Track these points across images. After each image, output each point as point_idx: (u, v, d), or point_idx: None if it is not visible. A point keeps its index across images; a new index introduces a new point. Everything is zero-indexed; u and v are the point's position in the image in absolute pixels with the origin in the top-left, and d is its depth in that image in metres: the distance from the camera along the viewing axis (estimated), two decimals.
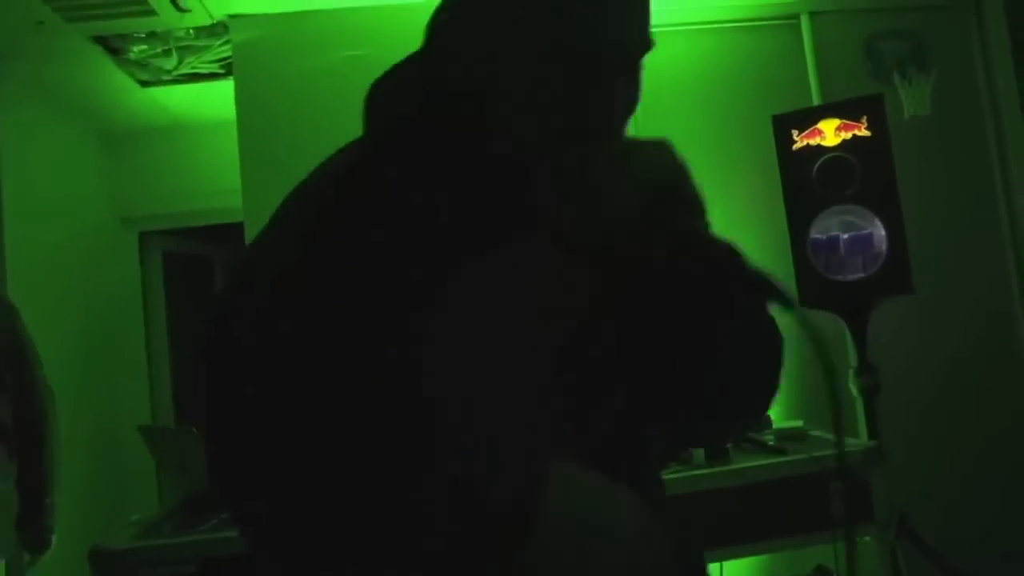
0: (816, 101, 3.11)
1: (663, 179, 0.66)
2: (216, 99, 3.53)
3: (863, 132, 2.34)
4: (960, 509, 2.91)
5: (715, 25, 3.13)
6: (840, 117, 2.38)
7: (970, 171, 3.19)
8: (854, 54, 3.19)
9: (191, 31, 3.00)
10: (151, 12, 2.72)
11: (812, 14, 3.16)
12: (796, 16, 3.17)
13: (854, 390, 2.47)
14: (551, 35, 0.67)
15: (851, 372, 2.45)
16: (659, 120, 3.03)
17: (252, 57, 2.92)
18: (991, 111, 3.22)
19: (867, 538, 1.67)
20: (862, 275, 2.37)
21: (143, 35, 2.98)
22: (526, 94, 0.68)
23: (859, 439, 2.46)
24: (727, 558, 1.84)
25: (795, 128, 2.42)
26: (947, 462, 2.96)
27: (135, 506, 3.33)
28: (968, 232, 3.15)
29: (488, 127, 0.69)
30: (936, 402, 2.99)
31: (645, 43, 0.72)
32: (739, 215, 2.91)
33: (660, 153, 0.68)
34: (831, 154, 2.36)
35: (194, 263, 4.31)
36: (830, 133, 2.37)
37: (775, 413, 2.29)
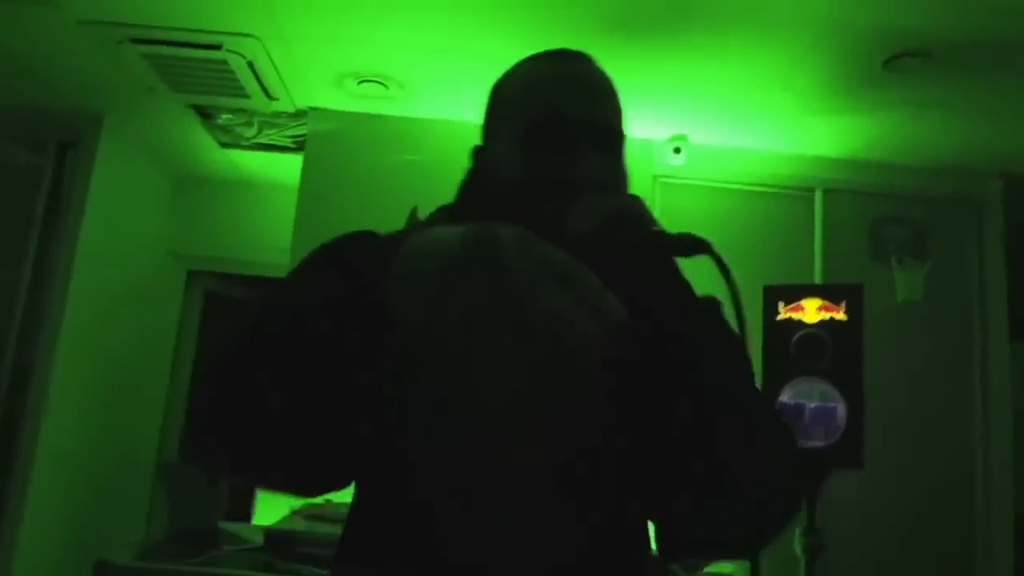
0: (818, 270, 3.39)
1: (618, 208, 0.78)
2: (282, 167, 3.94)
3: (840, 316, 2.61)
4: None
5: (734, 185, 3.45)
6: (822, 298, 2.65)
7: (952, 358, 3.40)
8: (860, 232, 3.47)
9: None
10: (246, 96, 3.12)
11: (826, 191, 3.48)
12: (812, 190, 3.47)
13: (798, 549, 2.66)
14: (516, 115, 0.88)
15: (797, 532, 2.65)
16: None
17: (323, 142, 3.31)
18: (979, 305, 3.45)
19: None
20: (821, 444, 2.60)
21: (233, 108, 3.40)
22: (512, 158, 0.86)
23: None
24: None
25: (781, 300, 2.70)
26: None
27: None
28: (943, 415, 3.33)
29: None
30: (886, 567, 3.14)
31: (597, 120, 0.86)
32: None
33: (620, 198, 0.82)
34: (809, 330, 2.63)
35: (232, 305, 4.66)
36: (812, 311, 2.65)
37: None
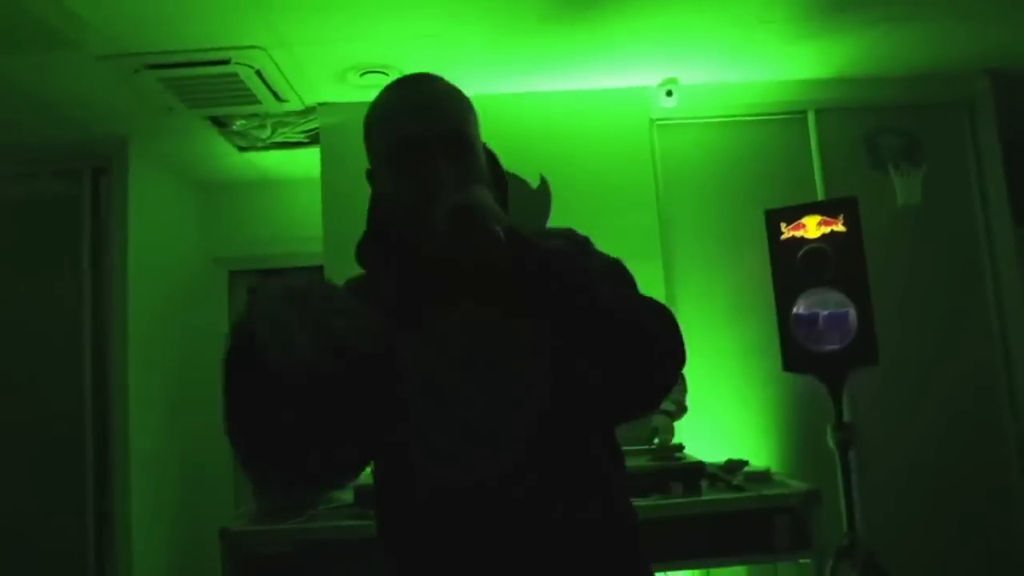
0: (819, 188, 3.55)
1: (456, 204, 0.90)
2: (301, 162, 4.15)
3: (839, 228, 2.79)
4: (936, 560, 3.28)
5: (728, 118, 3.60)
6: (821, 214, 2.83)
7: (958, 255, 3.55)
8: (855, 147, 3.60)
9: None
10: (257, 102, 3.33)
11: (818, 111, 3.60)
12: (803, 112, 3.61)
13: (831, 443, 2.89)
14: (376, 144, 1.04)
15: (828, 428, 2.87)
16: (675, 203, 3.52)
17: (336, 134, 3.49)
18: (980, 202, 3.59)
19: (806, 561, 2.11)
20: (837, 347, 2.80)
21: (246, 114, 3.59)
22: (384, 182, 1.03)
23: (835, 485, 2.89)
24: (697, 568, 2.34)
25: (783, 221, 2.88)
26: (925, 518, 3.31)
27: (217, 508, 3.91)
28: (956, 311, 3.51)
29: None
30: (918, 465, 3.34)
31: (438, 131, 0.98)
32: (741, 291, 3.38)
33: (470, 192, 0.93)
34: (812, 245, 2.81)
35: None
36: (812, 227, 2.83)
37: (754, 456, 2.73)
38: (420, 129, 0.98)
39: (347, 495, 2.26)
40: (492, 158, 1.11)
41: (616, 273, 1.07)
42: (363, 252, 1.09)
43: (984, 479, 3.38)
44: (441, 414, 0.96)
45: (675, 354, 0.99)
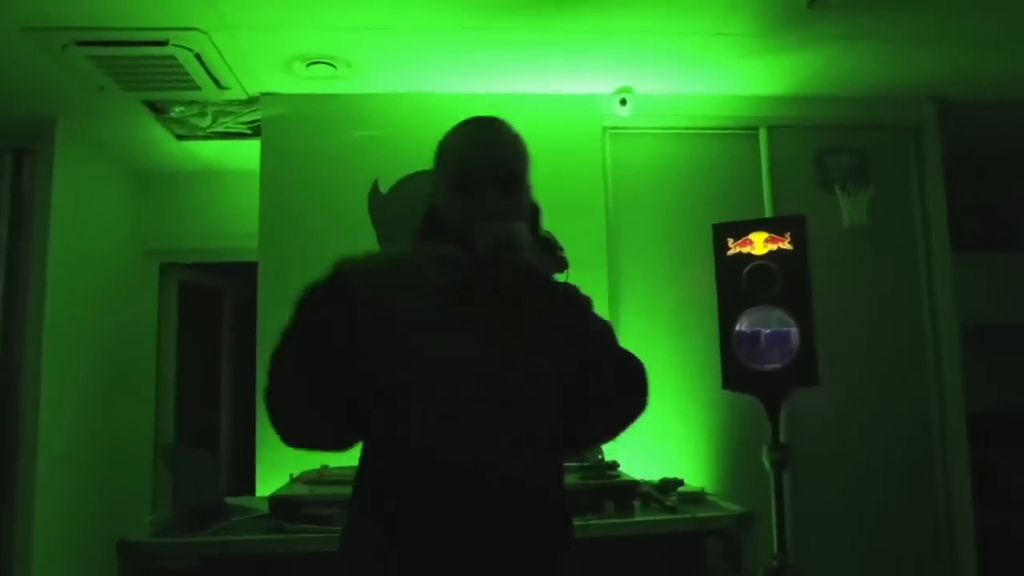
0: (768, 204, 3.54)
1: (499, 233, 1.14)
2: (241, 153, 4.01)
3: (786, 245, 2.78)
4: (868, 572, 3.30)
5: (681, 130, 3.57)
6: (768, 231, 2.81)
7: (900, 277, 3.59)
8: (805, 165, 3.61)
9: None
10: (196, 87, 3.18)
11: (770, 128, 3.61)
12: (755, 128, 3.60)
13: (767, 463, 2.86)
14: (443, 172, 1.27)
15: (764, 448, 2.85)
16: (623, 213, 3.48)
17: (278, 127, 3.38)
18: (922, 225, 3.63)
19: None
20: (778, 366, 2.78)
21: (185, 100, 3.44)
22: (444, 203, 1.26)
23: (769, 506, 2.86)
24: None
25: (730, 236, 2.85)
26: (858, 536, 3.33)
27: (134, 513, 3.72)
28: (895, 328, 3.54)
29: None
30: (853, 488, 3.35)
31: (497, 172, 1.22)
32: (685, 306, 3.35)
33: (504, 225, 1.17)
34: (758, 262, 2.79)
35: (207, 293, 4.75)
36: (759, 243, 2.81)
37: (689, 475, 2.69)
38: (479, 168, 1.22)
39: (262, 506, 2.14)
40: (535, 208, 1.33)
41: (611, 331, 1.35)
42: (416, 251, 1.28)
43: (914, 498, 3.42)
44: (454, 401, 1.16)
45: (642, 398, 1.33)
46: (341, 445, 1.25)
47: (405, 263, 1.19)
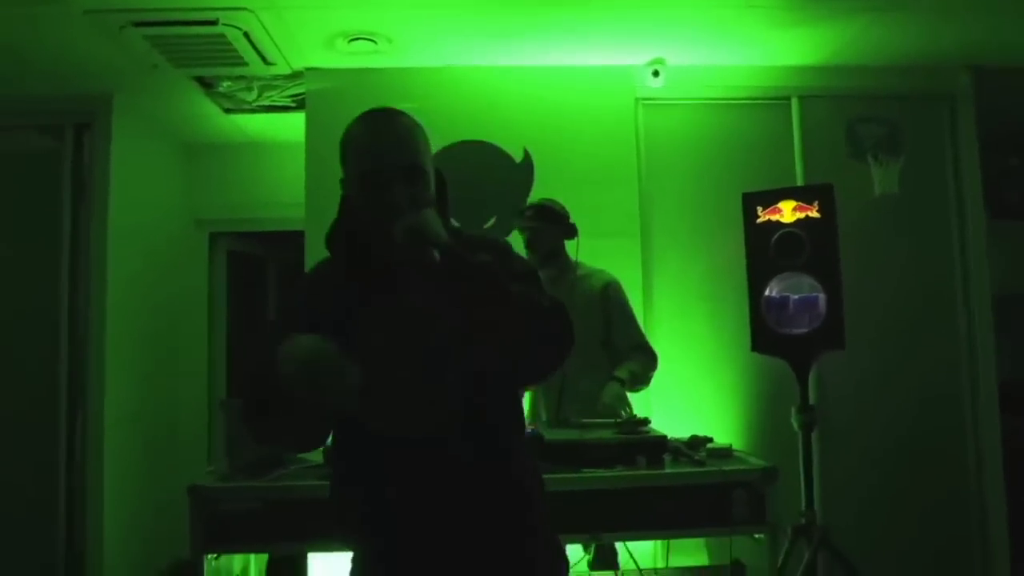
0: (799, 173, 3.59)
1: (409, 224, 1.15)
2: (286, 126, 4.15)
3: (814, 214, 2.84)
4: (892, 542, 3.39)
5: (713, 101, 3.63)
6: (796, 199, 2.88)
7: (931, 245, 3.62)
8: (836, 134, 3.64)
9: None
10: (244, 63, 3.32)
11: (802, 98, 3.64)
12: (787, 98, 3.64)
13: (795, 425, 2.96)
14: (350, 167, 1.32)
15: (793, 409, 2.94)
16: (656, 182, 3.56)
17: (322, 101, 3.50)
18: (955, 195, 3.65)
19: (761, 536, 2.18)
20: (806, 331, 2.86)
21: (233, 75, 3.58)
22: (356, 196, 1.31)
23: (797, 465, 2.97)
24: (657, 538, 2.43)
25: (759, 205, 2.92)
26: (883, 501, 3.42)
27: (189, 469, 3.96)
28: (925, 299, 3.58)
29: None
30: (879, 449, 3.44)
31: (400, 164, 1.26)
32: (716, 272, 3.43)
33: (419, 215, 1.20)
34: (786, 229, 2.86)
35: (254, 261, 4.94)
36: (788, 212, 2.87)
37: (719, 434, 2.80)
38: (383, 163, 1.26)
39: (316, 456, 2.30)
40: (441, 180, 1.38)
41: (527, 276, 1.32)
42: (331, 242, 1.39)
43: (943, 465, 3.48)
44: (390, 379, 1.22)
45: (559, 339, 1.25)
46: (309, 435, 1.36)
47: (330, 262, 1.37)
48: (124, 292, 3.66)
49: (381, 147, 1.28)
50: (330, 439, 1.43)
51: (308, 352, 1.09)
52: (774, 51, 3.46)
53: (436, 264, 1.12)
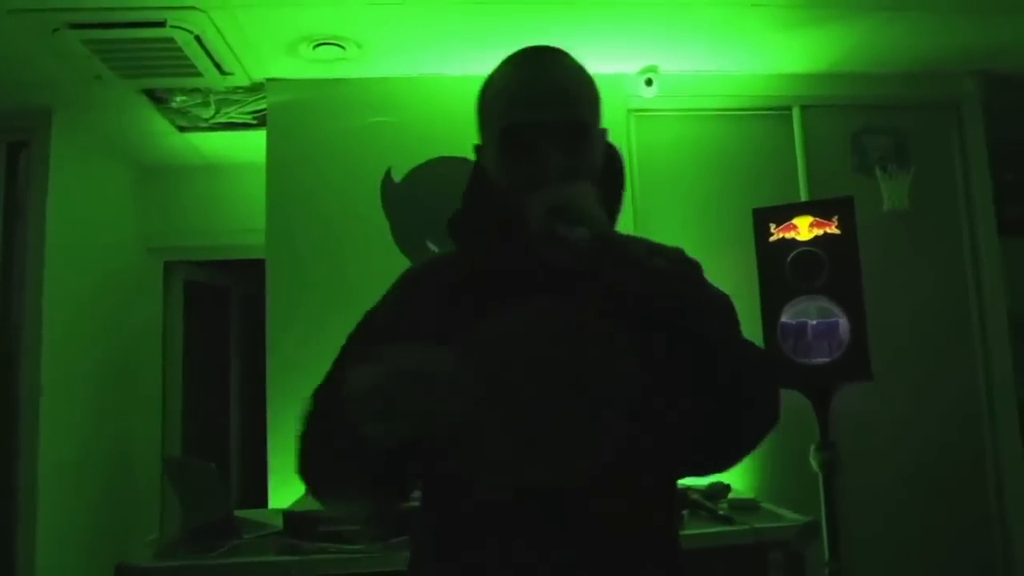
0: (803, 187, 3.35)
1: (555, 202, 0.89)
2: (246, 145, 3.83)
3: (833, 230, 2.58)
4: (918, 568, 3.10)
5: (710, 111, 3.38)
6: (813, 215, 2.62)
7: (942, 261, 3.39)
8: (841, 146, 3.42)
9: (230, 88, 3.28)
10: (198, 74, 3.00)
11: (804, 107, 3.41)
12: (788, 108, 3.41)
13: (814, 464, 2.67)
14: (489, 123, 1.02)
15: (812, 448, 2.66)
16: (650, 198, 3.29)
17: (285, 115, 3.20)
18: (966, 206, 3.44)
19: None
20: (827, 360, 2.59)
21: (187, 88, 3.26)
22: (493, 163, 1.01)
23: (817, 510, 2.67)
24: None
25: (772, 221, 2.66)
26: (910, 538, 3.14)
27: (141, 525, 3.57)
28: (939, 318, 3.34)
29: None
30: (903, 481, 3.16)
31: (559, 118, 0.96)
32: None
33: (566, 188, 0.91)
34: (803, 248, 2.60)
35: (213, 291, 4.58)
36: (804, 228, 2.61)
37: (733, 478, 2.50)
38: (533, 116, 0.95)
39: (275, 521, 1.95)
40: (613, 152, 1.06)
41: (723, 310, 1.02)
42: (458, 225, 1.06)
43: (964, 493, 3.23)
44: (500, 415, 0.88)
45: (768, 417, 0.95)
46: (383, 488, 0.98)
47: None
48: (65, 325, 3.29)
49: (534, 94, 0.96)
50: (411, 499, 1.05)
51: (414, 358, 0.79)
52: (774, 58, 3.24)
53: (585, 258, 0.85)
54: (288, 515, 1.85)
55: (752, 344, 0.98)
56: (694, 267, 1.05)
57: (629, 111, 3.31)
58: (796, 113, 3.41)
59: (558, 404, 0.88)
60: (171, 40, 2.73)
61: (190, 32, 2.70)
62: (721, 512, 2.01)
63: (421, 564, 1.01)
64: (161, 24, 2.64)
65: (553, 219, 0.87)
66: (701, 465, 1.00)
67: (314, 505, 2.07)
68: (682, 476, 1.08)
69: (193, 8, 2.58)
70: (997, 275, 3.38)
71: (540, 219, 0.88)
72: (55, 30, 2.64)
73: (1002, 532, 3.22)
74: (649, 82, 3.22)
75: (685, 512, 1.98)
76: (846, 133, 3.43)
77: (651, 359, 0.86)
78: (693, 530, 1.92)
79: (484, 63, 3.22)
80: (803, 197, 3.28)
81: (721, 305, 1.02)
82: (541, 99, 0.96)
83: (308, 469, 0.97)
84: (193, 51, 2.81)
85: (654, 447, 0.92)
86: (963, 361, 3.34)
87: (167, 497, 3.87)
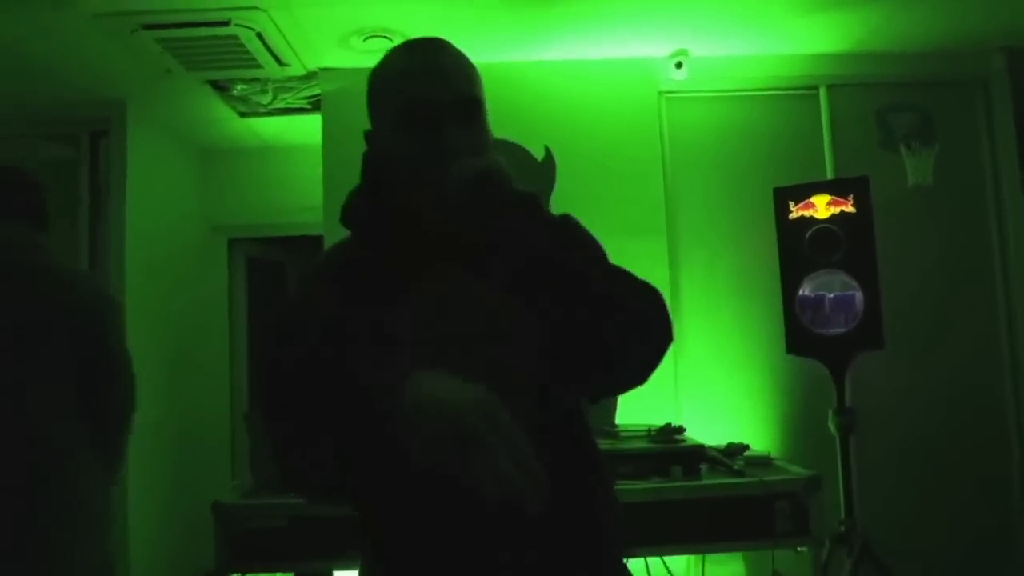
0: (829, 165, 3.47)
1: (481, 168, 0.91)
2: (301, 129, 4.07)
3: (849, 208, 2.74)
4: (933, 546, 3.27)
5: (739, 93, 3.52)
6: (830, 193, 2.77)
7: (968, 236, 3.49)
8: (866, 124, 3.52)
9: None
10: (258, 66, 3.25)
11: (830, 87, 3.52)
12: (815, 88, 3.52)
13: (832, 428, 2.86)
14: (384, 104, 1.04)
15: (830, 412, 2.84)
16: (681, 178, 3.46)
17: (338, 101, 3.42)
18: (992, 183, 3.51)
19: (804, 548, 2.10)
20: (843, 330, 2.76)
21: (247, 78, 3.51)
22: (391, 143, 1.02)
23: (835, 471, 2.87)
24: (694, 553, 2.34)
25: (792, 200, 2.82)
26: (923, 498, 3.29)
27: (214, 481, 3.91)
28: (963, 293, 3.45)
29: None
30: (918, 451, 3.30)
31: (455, 95, 0.99)
32: (746, 270, 3.32)
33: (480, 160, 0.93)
34: (821, 225, 2.76)
35: (272, 267, 4.89)
36: (821, 206, 2.77)
37: (753, 440, 2.71)
38: (433, 92, 0.98)
39: None
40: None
41: (598, 247, 1.09)
42: (353, 213, 1.09)
43: (984, 465, 3.35)
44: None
45: (665, 336, 1.00)
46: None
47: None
48: (143, 301, 3.61)
49: (427, 75, 0.99)
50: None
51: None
52: (800, 39, 3.34)
53: (516, 215, 0.88)
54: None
55: (635, 277, 1.02)
56: (535, 198, 0.98)
57: (660, 93, 3.47)
58: (823, 92, 3.51)
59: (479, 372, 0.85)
60: (235, 37, 2.98)
61: (252, 29, 2.94)
62: (736, 467, 2.23)
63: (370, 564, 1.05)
64: (226, 23, 2.88)
65: (481, 183, 0.89)
66: (598, 380, 1.01)
67: None
68: (582, 394, 1.08)
69: (255, 8, 2.82)
70: (1022, 246, 3.46)
71: (464, 185, 0.89)
72: (132, 31, 2.91)
73: (1021, 493, 3.34)
74: (679, 65, 3.37)
75: (703, 467, 2.20)
76: (871, 111, 3.52)
77: (547, 314, 0.89)
78: (709, 480, 2.15)
79: (520, 50, 3.43)
80: (829, 174, 3.41)
81: (594, 241, 1.09)
82: (438, 77, 0.99)
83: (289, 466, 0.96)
84: (255, 46, 3.06)
85: (553, 380, 0.96)
86: (987, 332, 3.43)
87: (236, 454, 4.22)
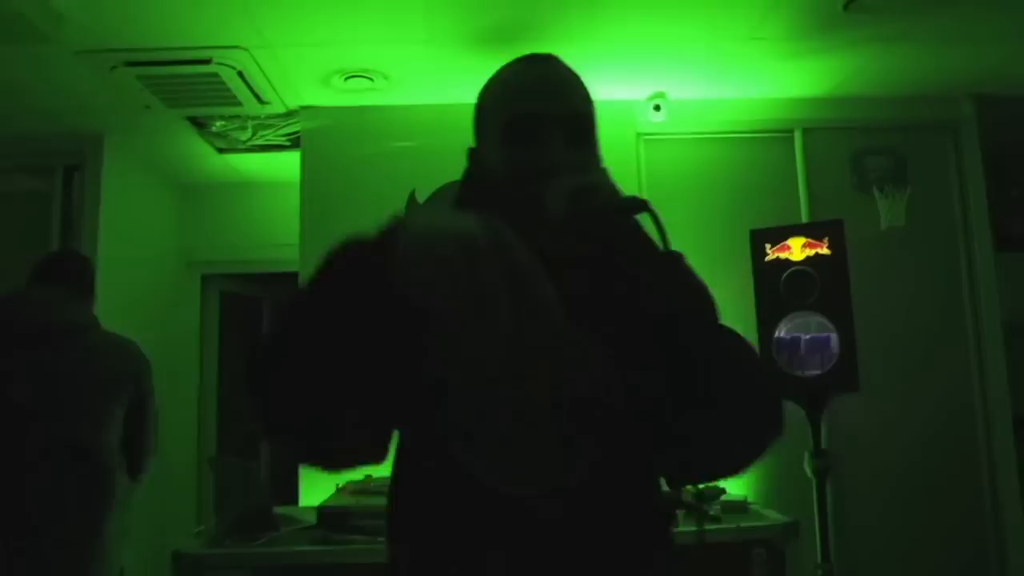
0: (804, 207, 3.51)
1: (581, 184, 0.87)
2: (280, 165, 4.08)
3: (824, 250, 2.77)
4: None
5: (715, 135, 3.56)
6: (806, 236, 2.81)
7: (939, 278, 3.53)
8: (841, 167, 3.58)
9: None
10: (238, 103, 3.25)
11: (805, 130, 3.58)
12: (791, 131, 3.58)
13: (809, 471, 2.85)
14: (490, 117, 1.00)
15: (806, 454, 2.84)
16: (663, 216, 3.46)
17: (317, 140, 3.44)
18: (962, 225, 3.57)
19: None
20: (819, 372, 2.77)
21: (226, 115, 3.51)
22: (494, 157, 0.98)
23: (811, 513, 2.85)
24: None
25: (768, 242, 2.85)
26: (901, 540, 3.29)
27: (180, 520, 3.81)
28: (936, 334, 3.47)
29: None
30: (897, 485, 3.31)
31: (564, 111, 0.96)
32: (722, 312, 3.31)
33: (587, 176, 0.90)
34: (796, 267, 2.79)
35: (247, 303, 4.84)
36: (797, 249, 2.80)
37: (731, 486, 2.68)
38: (539, 107, 0.95)
39: (307, 517, 2.19)
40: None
41: (710, 301, 1.01)
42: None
43: (959, 505, 3.36)
44: (493, 403, 0.80)
45: (776, 425, 0.92)
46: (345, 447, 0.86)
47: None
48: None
49: (536, 88, 0.96)
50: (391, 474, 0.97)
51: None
52: (776, 83, 3.41)
53: (617, 235, 0.85)
54: (322, 510, 2.07)
55: (748, 345, 0.93)
56: (680, 257, 0.95)
57: (638, 135, 3.51)
58: (798, 135, 3.57)
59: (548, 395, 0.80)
60: (215, 75, 2.98)
61: (233, 68, 2.95)
62: (712, 512, 2.21)
63: (396, 544, 0.96)
64: (207, 61, 2.89)
65: (580, 200, 0.84)
66: (698, 468, 0.95)
67: (345, 500, 2.30)
68: (674, 477, 1.01)
69: (237, 47, 2.83)
70: (993, 288, 3.49)
71: (564, 201, 0.85)
72: (113, 68, 2.90)
73: (996, 534, 3.34)
74: (657, 108, 3.42)
75: (680, 513, 2.17)
76: (846, 154, 3.59)
77: (639, 354, 0.82)
78: (684, 528, 2.12)
79: None
80: (804, 217, 3.45)
81: (706, 293, 1.02)
82: (548, 91, 0.97)
83: (272, 372, 0.81)
84: (235, 84, 3.06)
85: (639, 446, 0.89)
86: (959, 374, 3.46)
87: (203, 496, 4.12)
